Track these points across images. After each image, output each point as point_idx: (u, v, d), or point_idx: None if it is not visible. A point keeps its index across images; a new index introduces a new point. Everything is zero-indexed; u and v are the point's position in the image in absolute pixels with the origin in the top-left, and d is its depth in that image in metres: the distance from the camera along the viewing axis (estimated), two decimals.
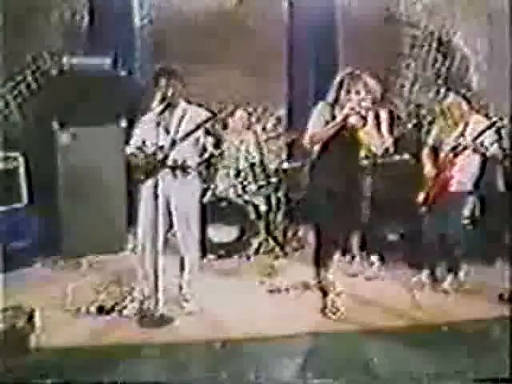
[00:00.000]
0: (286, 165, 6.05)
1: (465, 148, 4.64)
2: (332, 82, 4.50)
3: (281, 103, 6.59)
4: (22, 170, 5.58)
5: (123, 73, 5.91)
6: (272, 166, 5.99)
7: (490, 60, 6.26)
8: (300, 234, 6.14)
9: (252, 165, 5.91)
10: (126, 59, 6.13)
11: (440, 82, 6.42)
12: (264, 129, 6.19)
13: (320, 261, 4.59)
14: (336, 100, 4.46)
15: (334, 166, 4.43)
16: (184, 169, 4.39)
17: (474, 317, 4.41)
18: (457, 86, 6.29)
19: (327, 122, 4.43)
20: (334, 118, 4.42)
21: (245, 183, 5.84)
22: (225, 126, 6.00)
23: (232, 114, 5.99)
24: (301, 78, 6.60)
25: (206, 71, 6.16)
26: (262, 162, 5.97)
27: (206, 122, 4.34)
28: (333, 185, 4.44)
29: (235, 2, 6.48)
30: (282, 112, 6.52)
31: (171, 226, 4.54)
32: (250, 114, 6.08)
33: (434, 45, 6.49)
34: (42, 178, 5.70)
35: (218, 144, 4.65)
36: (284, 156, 6.42)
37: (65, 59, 5.78)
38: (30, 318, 4.09)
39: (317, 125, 4.46)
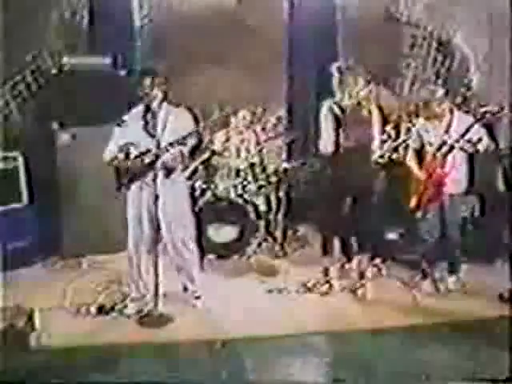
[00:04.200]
0: (285, 165, 6.04)
1: (452, 147, 4.62)
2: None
3: (281, 103, 6.59)
4: (21, 170, 5.58)
5: (123, 73, 5.91)
6: (272, 166, 5.99)
7: (489, 60, 6.25)
8: (300, 233, 6.15)
9: (252, 165, 5.90)
10: (126, 59, 6.12)
11: (440, 81, 6.42)
12: (264, 129, 6.18)
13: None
14: None
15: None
16: (170, 172, 4.41)
17: (474, 317, 4.42)
18: (457, 86, 6.29)
19: None
20: None
21: (245, 183, 5.84)
22: (226, 125, 6.00)
23: (235, 113, 5.98)
24: (301, 77, 6.60)
25: (206, 71, 6.16)
26: (261, 162, 5.97)
27: (190, 134, 4.33)
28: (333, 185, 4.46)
29: (235, 1, 6.48)
30: (282, 112, 6.51)
31: (159, 227, 4.53)
32: (253, 114, 6.08)
33: (434, 45, 6.49)
34: (42, 178, 5.70)
35: (198, 147, 4.61)
36: (284, 156, 6.42)
37: (65, 59, 5.77)
38: (30, 318, 4.09)
39: None
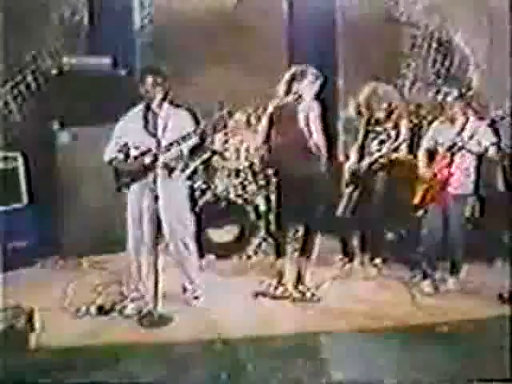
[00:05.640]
0: None
1: (461, 148, 4.62)
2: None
3: None
4: (21, 170, 5.59)
5: (123, 73, 5.91)
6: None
7: (489, 60, 6.25)
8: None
9: (252, 165, 5.90)
10: (126, 59, 6.13)
11: (440, 81, 6.41)
12: None
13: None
14: None
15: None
16: (171, 171, 4.40)
17: (474, 317, 4.42)
18: (457, 85, 6.28)
19: None
20: None
21: (245, 183, 5.83)
22: (224, 126, 5.99)
23: (231, 115, 5.96)
24: None
25: (206, 71, 6.16)
26: (261, 161, 5.95)
27: (190, 134, 4.33)
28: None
29: (235, 1, 6.48)
30: None
31: (159, 227, 4.52)
32: (249, 116, 6.07)
33: (434, 45, 6.48)
34: (42, 178, 5.70)
35: (200, 146, 4.60)
36: None
37: (65, 59, 5.78)
38: (30, 318, 4.09)
39: None
